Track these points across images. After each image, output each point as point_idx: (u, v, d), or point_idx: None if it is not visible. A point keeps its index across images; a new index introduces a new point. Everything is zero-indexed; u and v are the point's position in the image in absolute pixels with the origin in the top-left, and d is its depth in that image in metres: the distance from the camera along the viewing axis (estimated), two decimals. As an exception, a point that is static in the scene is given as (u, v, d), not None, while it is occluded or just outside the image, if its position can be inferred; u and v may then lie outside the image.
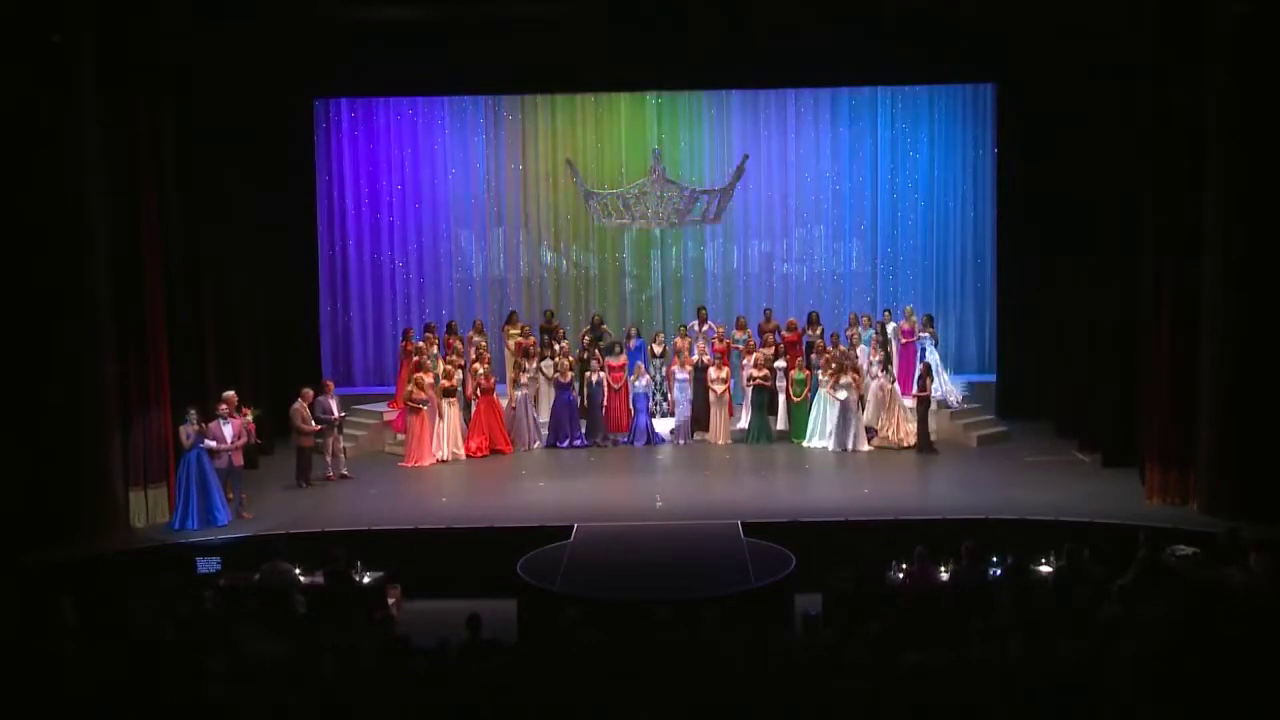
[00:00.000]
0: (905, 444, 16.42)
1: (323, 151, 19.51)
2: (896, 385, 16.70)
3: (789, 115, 19.95)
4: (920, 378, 16.38)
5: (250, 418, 14.15)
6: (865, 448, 16.40)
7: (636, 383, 17.24)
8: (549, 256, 20.22)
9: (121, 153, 13.52)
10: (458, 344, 17.56)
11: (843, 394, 16.35)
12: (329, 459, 15.47)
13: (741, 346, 17.65)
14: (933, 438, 16.54)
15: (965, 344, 19.83)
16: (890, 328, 17.74)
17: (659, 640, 8.55)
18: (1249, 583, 9.82)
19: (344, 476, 15.51)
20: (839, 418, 16.44)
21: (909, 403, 16.65)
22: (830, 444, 16.52)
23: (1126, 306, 14.95)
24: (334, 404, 15.58)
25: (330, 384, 16.10)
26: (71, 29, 12.78)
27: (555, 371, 17.20)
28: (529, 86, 19.08)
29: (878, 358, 16.89)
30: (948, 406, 17.23)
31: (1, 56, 12.54)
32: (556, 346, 17.50)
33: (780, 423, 17.26)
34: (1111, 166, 15.30)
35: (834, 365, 16.57)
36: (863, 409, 16.62)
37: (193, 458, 13.36)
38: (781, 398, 17.24)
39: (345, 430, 16.09)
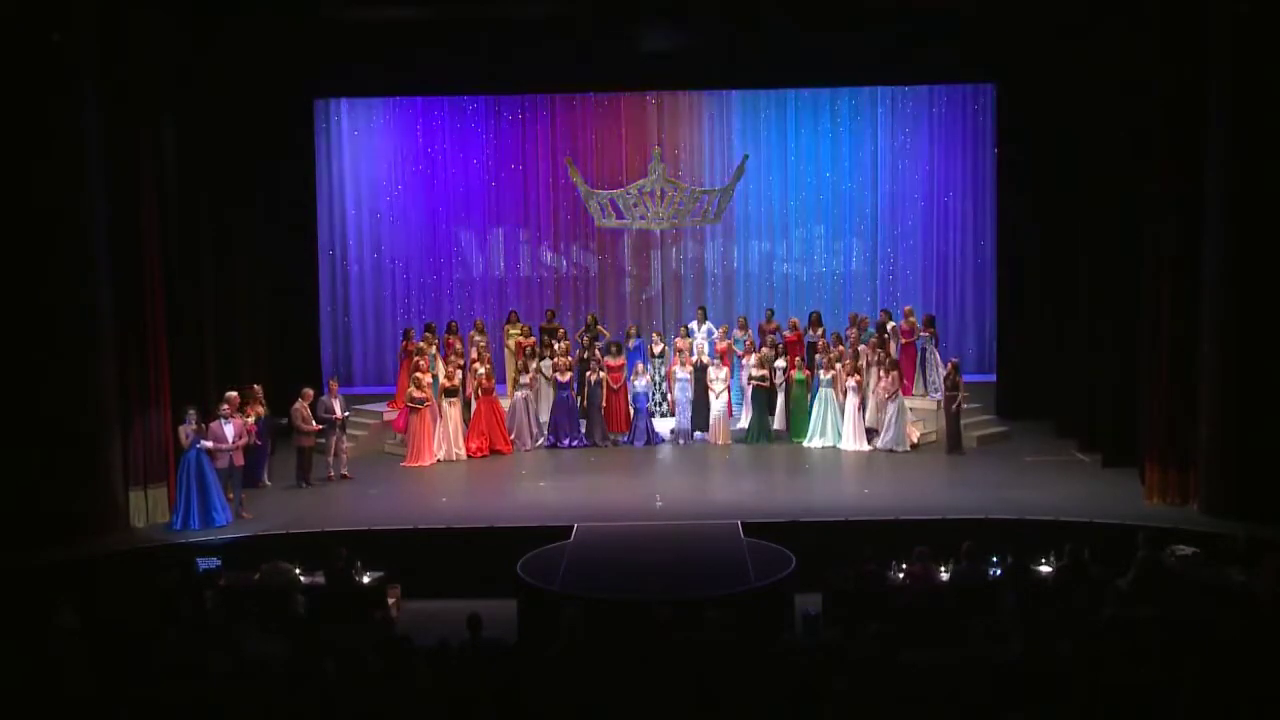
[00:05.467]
0: (912, 442, 16.36)
1: (323, 151, 19.48)
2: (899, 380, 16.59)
3: (789, 115, 19.95)
4: (949, 376, 16.29)
5: (253, 419, 14.14)
6: (905, 448, 16.16)
7: (636, 382, 17.24)
8: (549, 256, 20.22)
9: (122, 153, 13.51)
10: (458, 344, 17.55)
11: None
12: (330, 459, 15.46)
13: (740, 350, 17.64)
14: (934, 438, 16.54)
15: (965, 344, 19.81)
16: (890, 327, 17.74)
17: (659, 640, 8.55)
18: (1261, 588, 9.77)
19: (344, 477, 15.49)
20: (894, 417, 16.17)
21: (916, 403, 16.58)
22: (889, 444, 16.22)
23: (1127, 306, 14.94)
24: (337, 404, 15.57)
25: (335, 383, 16.11)
26: (71, 29, 12.77)
27: (555, 371, 17.20)
28: (529, 86, 19.06)
29: (876, 357, 16.86)
30: (947, 406, 17.22)
31: (1, 57, 12.54)
32: (556, 346, 17.49)
33: (779, 423, 17.26)
34: (1112, 166, 15.29)
35: (847, 362, 16.56)
36: (864, 410, 16.61)
37: (192, 458, 13.35)
38: (781, 397, 17.23)
39: (346, 430, 16.08)
